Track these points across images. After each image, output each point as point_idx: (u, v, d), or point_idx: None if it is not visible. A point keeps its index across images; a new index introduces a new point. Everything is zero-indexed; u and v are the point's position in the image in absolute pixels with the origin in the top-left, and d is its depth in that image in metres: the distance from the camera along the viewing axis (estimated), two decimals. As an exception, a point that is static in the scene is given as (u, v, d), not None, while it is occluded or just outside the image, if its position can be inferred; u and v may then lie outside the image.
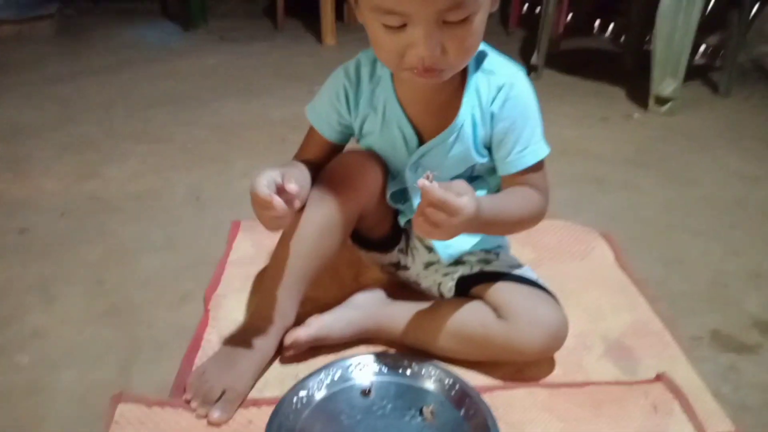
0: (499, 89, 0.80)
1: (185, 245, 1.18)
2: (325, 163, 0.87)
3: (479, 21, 0.70)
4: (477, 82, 0.81)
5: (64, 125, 1.78)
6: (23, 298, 1.01)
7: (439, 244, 0.88)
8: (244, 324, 0.88)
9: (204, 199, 1.38)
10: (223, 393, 0.77)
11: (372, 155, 0.88)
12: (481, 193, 0.86)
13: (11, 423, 0.77)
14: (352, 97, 0.85)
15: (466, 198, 0.68)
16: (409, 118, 0.83)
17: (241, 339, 0.84)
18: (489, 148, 0.84)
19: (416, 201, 0.85)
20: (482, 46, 0.79)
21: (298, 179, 0.77)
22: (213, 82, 2.25)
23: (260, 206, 0.72)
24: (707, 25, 2.48)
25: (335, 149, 0.90)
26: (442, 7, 0.65)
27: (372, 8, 0.68)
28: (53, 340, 0.92)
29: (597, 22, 3.18)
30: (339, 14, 2.98)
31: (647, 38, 2.47)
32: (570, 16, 3.08)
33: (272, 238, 1.11)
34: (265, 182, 0.71)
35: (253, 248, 1.13)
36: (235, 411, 0.77)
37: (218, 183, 1.46)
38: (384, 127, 0.85)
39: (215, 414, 0.75)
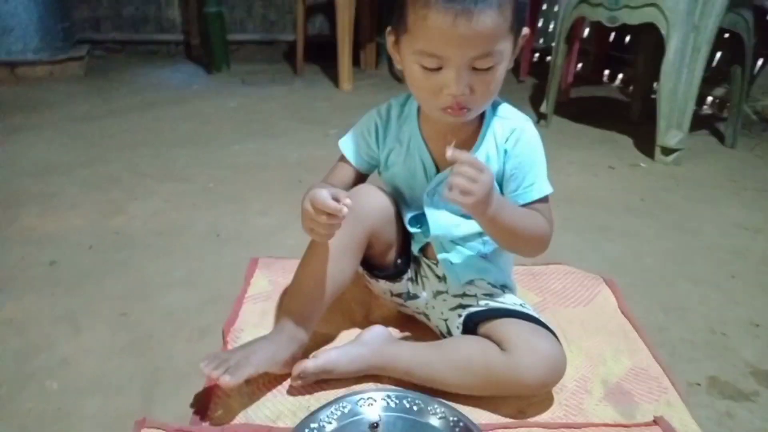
0: (513, 131, 0.92)
1: (205, 281, 1.24)
2: (346, 188, 0.97)
3: (501, 71, 0.83)
4: (493, 124, 0.93)
5: (91, 163, 1.87)
6: (52, 329, 1.07)
7: (449, 269, 0.97)
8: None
9: (223, 237, 1.44)
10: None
11: (379, 188, 0.99)
12: None
13: (41, 445, 0.82)
14: (381, 132, 0.98)
15: (489, 171, 0.79)
16: (430, 151, 0.94)
17: (258, 338, 0.94)
18: (500, 185, 0.93)
19: (431, 226, 0.96)
20: (497, 98, 0.91)
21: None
22: (233, 124, 2.35)
23: (319, 216, 0.81)
24: (714, 78, 2.56)
25: (359, 178, 1.02)
26: (474, 55, 0.78)
27: (415, 51, 0.80)
28: (80, 368, 0.98)
29: (606, 72, 3.28)
30: (356, 60, 3.11)
31: (654, 88, 2.56)
32: (579, 65, 3.19)
33: (287, 276, 1.18)
34: (327, 195, 0.80)
35: (269, 285, 1.19)
36: (243, 378, 0.84)
37: (237, 221, 1.52)
38: (407, 158, 0.96)
39: (225, 378, 0.82)
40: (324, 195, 0.80)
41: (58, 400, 0.90)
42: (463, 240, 0.97)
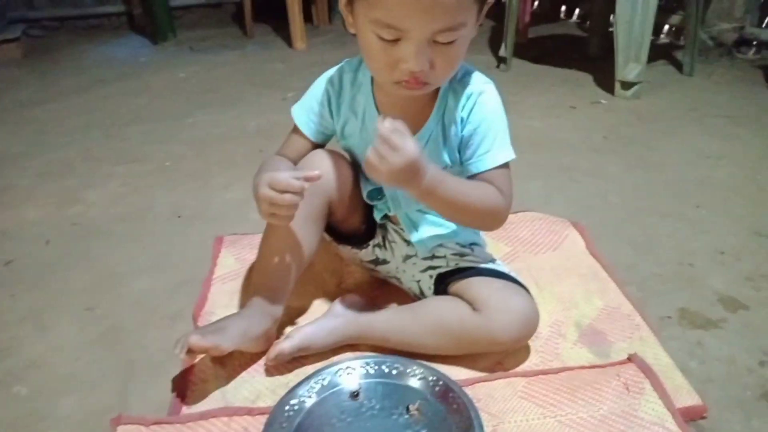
0: (468, 97, 0.87)
1: (171, 264, 1.21)
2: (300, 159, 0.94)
3: (464, 43, 0.78)
4: (449, 91, 0.88)
5: (41, 151, 1.79)
6: (16, 330, 1.04)
7: (416, 237, 0.96)
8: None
9: (186, 217, 1.40)
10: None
11: (337, 153, 0.95)
12: None
13: (16, 453, 0.80)
14: (334, 102, 0.93)
15: (410, 141, 0.73)
16: None
17: (230, 315, 0.92)
18: (459, 152, 0.90)
19: (389, 198, 0.94)
20: None
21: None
22: (186, 96, 2.27)
23: (282, 196, 0.79)
24: (668, 5, 2.54)
25: (312, 147, 0.97)
26: (437, 28, 0.73)
27: (372, 20, 0.74)
28: (50, 369, 0.95)
29: (563, 8, 3.23)
30: (308, 17, 3.01)
31: (611, 21, 2.53)
32: (536, 3, 3.13)
33: (253, 251, 1.15)
34: (289, 176, 0.79)
35: (237, 263, 1.16)
36: (210, 344, 0.81)
37: (199, 199, 1.48)
38: (363, 130, 0.92)
39: (193, 337, 0.80)
40: (285, 176, 0.78)
41: (29, 404, 0.88)
42: (427, 208, 0.94)
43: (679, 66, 2.34)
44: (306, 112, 0.95)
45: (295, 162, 0.93)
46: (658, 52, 2.44)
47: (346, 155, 0.98)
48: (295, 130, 0.97)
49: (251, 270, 1.12)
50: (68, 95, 2.30)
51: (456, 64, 0.80)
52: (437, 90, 0.87)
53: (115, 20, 3.31)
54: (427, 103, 0.88)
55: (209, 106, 2.13)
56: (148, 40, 3.04)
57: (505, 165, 0.88)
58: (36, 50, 2.92)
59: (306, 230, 0.92)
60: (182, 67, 2.60)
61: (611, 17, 2.42)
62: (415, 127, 0.87)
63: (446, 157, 0.90)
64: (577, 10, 3.18)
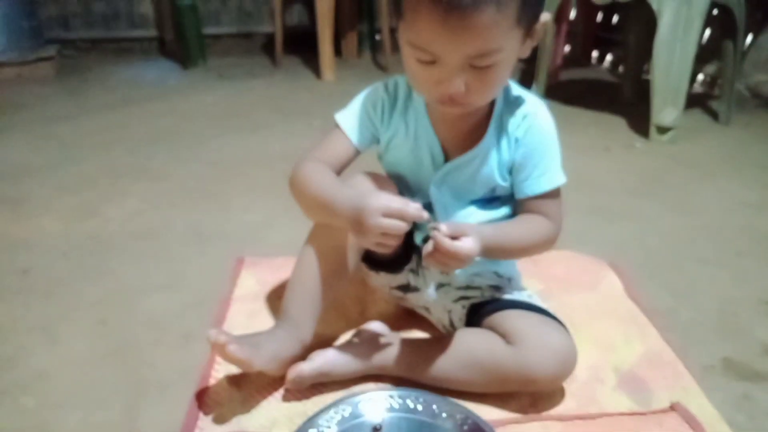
0: (524, 117, 0.85)
1: (188, 283, 1.17)
2: (340, 167, 0.90)
3: (504, 67, 0.75)
4: (504, 110, 0.86)
5: (63, 165, 1.78)
6: (27, 339, 1.00)
7: None
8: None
9: (205, 236, 1.37)
10: None
11: (382, 176, 0.90)
12: (501, 211, 0.90)
13: (15, 468, 0.75)
14: (387, 109, 0.89)
15: (470, 241, 0.75)
16: (438, 138, 0.87)
17: (260, 333, 0.87)
18: (510, 173, 0.88)
19: (439, 216, 0.90)
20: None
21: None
22: (212, 120, 2.27)
23: (393, 229, 0.74)
24: (704, 55, 2.53)
25: (354, 155, 0.92)
26: (470, 53, 0.70)
27: (408, 42, 0.73)
28: (58, 381, 0.90)
29: (595, 53, 3.23)
30: (337, 50, 3.03)
31: (645, 68, 2.51)
32: (568, 47, 3.14)
33: (275, 274, 1.12)
34: (403, 202, 0.74)
35: (257, 285, 1.12)
36: (245, 357, 0.78)
37: (219, 220, 1.45)
38: (414, 144, 0.89)
39: (232, 346, 0.76)
40: (401, 204, 0.74)
41: (35, 416, 0.83)
42: None
43: (714, 115, 2.30)
44: (356, 118, 0.90)
45: (336, 169, 0.88)
46: (692, 101, 2.40)
47: (388, 175, 0.94)
48: (336, 135, 0.91)
49: (272, 293, 1.07)
50: (94, 113, 2.31)
51: (495, 88, 0.78)
52: (491, 108, 0.85)
53: (146, 44, 3.37)
54: (481, 120, 0.85)
55: (235, 131, 2.12)
56: (177, 65, 3.08)
57: (557, 189, 0.86)
58: (67, 69, 2.96)
59: (344, 257, 0.88)
60: (210, 92, 2.62)
61: (645, 66, 2.41)
62: (469, 146, 0.86)
63: (499, 179, 0.87)
64: (608, 56, 3.18)
